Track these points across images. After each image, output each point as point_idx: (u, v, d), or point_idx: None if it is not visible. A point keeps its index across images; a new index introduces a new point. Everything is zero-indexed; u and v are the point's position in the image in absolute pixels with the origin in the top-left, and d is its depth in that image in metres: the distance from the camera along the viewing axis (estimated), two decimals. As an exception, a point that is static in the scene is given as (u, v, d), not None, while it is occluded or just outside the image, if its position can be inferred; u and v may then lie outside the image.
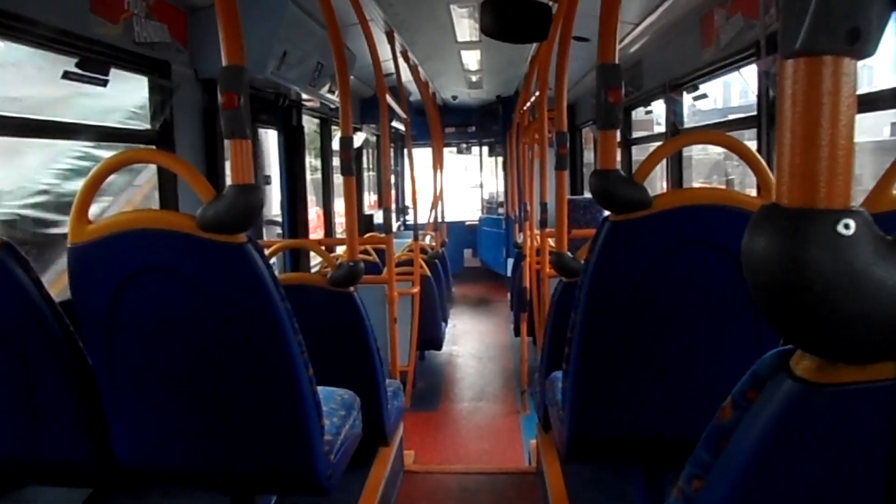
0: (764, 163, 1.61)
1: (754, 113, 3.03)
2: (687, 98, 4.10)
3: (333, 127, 6.19)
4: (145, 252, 1.49)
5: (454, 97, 8.92)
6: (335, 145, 6.40)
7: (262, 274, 1.47)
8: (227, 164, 1.78)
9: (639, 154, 5.63)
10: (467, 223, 10.40)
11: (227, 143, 1.48)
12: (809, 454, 0.55)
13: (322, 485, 1.71)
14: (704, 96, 3.86)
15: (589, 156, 8.10)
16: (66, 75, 2.46)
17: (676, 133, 4.26)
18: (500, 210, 10.05)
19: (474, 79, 7.36)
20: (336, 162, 6.43)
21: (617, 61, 1.59)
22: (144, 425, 1.69)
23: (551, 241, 3.68)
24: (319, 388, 1.70)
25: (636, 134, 5.81)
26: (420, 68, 5.99)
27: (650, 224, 1.56)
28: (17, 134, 2.46)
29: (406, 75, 5.32)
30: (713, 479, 0.63)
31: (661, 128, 4.99)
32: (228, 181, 1.48)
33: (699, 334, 1.65)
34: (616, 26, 1.58)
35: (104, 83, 2.64)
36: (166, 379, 1.61)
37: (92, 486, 2.26)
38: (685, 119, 4.28)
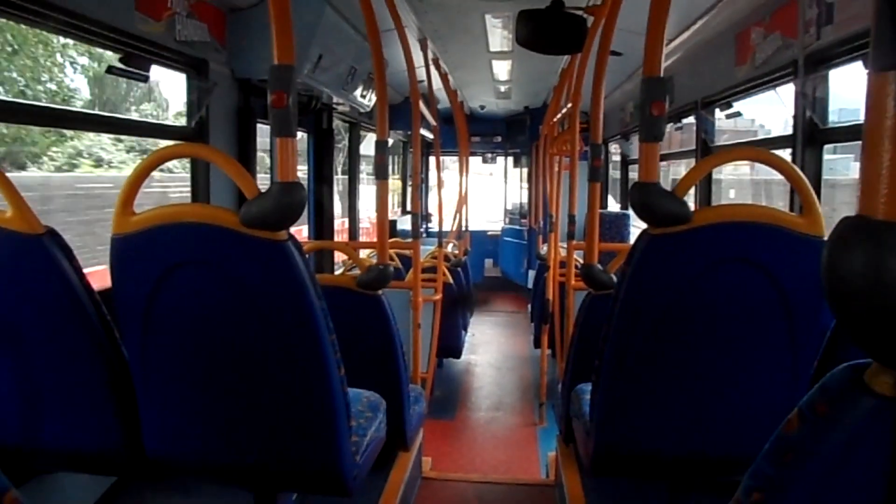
0: (808, 182, 1.59)
1: (789, 132, 3.01)
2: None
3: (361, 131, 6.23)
4: (187, 245, 1.51)
5: (482, 107, 8.94)
6: (362, 150, 6.44)
7: (301, 272, 1.48)
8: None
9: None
10: (489, 233, 10.39)
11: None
12: (883, 469, 0.55)
13: (347, 485, 1.72)
14: (738, 114, 3.83)
15: (614, 171, 8.07)
16: (110, 70, 2.51)
17: (707, 151, 4.24)
18: (523, 221, 10.03)
19: (503, 89, 7.37)
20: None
21: (662, 74, 1.59)
22: (175, 417, 1.71)
23: (577, 254, 3.67)
24: (348, 390, 1.70)
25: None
26: (450, 77, 6.02)
27: (689, 239, 1.55)
28: (57, 125, 2.51)
29: (435, 83, 5.34)
30: (776, 492, 0.62)
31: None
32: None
33: (733, 352, 1.64)
34: (662, 40, 1.58)
35: (145, 79, 2.69)
36: (199, 372, 1.62)
37: (118, 474, 2.28)
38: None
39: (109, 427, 1.76)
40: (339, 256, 5.65)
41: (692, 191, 4.39)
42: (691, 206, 1.58)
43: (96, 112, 2.72)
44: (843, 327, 0.55)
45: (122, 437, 1.76)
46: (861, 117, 0.53)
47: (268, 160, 4.58)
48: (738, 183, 6.89)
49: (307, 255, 1.56)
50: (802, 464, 0.60)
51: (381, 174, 2.68)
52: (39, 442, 1.77)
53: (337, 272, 5.10)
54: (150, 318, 1.57)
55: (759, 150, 1.76)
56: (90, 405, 1.74)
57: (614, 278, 2.51)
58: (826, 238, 0.55)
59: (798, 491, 0.60)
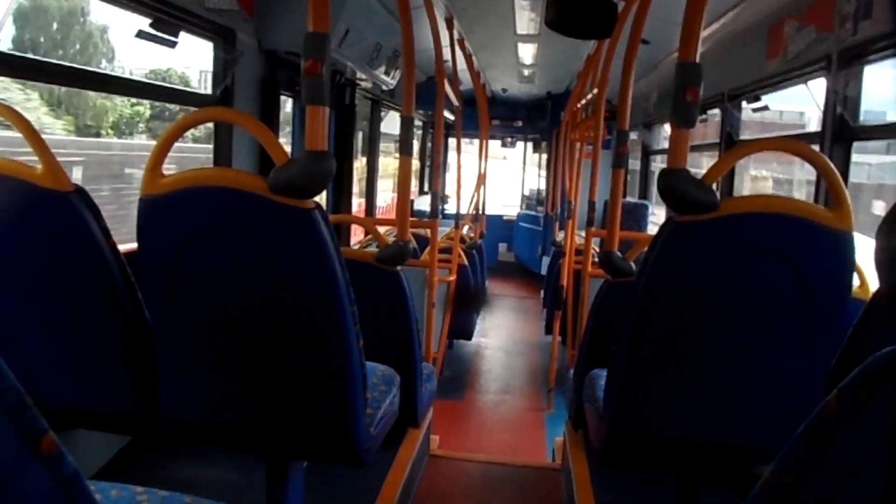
0: (839, 174, 1.58)
1: (817, 129, 2.98)
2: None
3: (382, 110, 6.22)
4: (214, 209, 1.51)
5: (504, 90, 8.89)
6: (383, 127, 6.43)
7: (326, 241, 1.48)
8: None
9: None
10: (505, 217, 10.37)
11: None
12: None
13: (361, 456, 1.73)
14: (766, 108, 3.78)
15: (633, 161, 8.02)
16: (140, 34, 2.52)
17: (731, 144, 4.19)
18: (540, 207, 10.00)
19: (527, 73, 7.32)
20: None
21: (698, 60, 1.57)
22: (193, 380, 1.72)
23: (593, 241, 3.66)
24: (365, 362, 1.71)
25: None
26: (475, 58, 5.98)
27: (715, 227, 1.54)
28: (81, 86, 2.53)
29: (459, 64, 5.31)
30: (810, 473, 0.62)
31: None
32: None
33: (752, 342, 1.63)
34: (700, 24, 1.56)
35: (173, 45, 2.69)
36: (220, 336, 1.64)
37: (133, 434, 2.31)
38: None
39: (128, 387, 1.78)
40: (354, 237, 5.67)
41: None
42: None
43: (121, 75, 2.73)
44: (894, 312, 0.54)
45: (139, 397, 1.78)
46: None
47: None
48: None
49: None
50: (838, 446, 0.60)
51: (405, 150, 2.68)
52: (58, 398, 1.80)
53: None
54: (174, 281, 1.58)
55: (790, 141, 1.74)
56: (110, 364, 1.77)
57: (633, 266, 2.50)
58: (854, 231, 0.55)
59: (830, 474, 0.60)
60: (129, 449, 2.47)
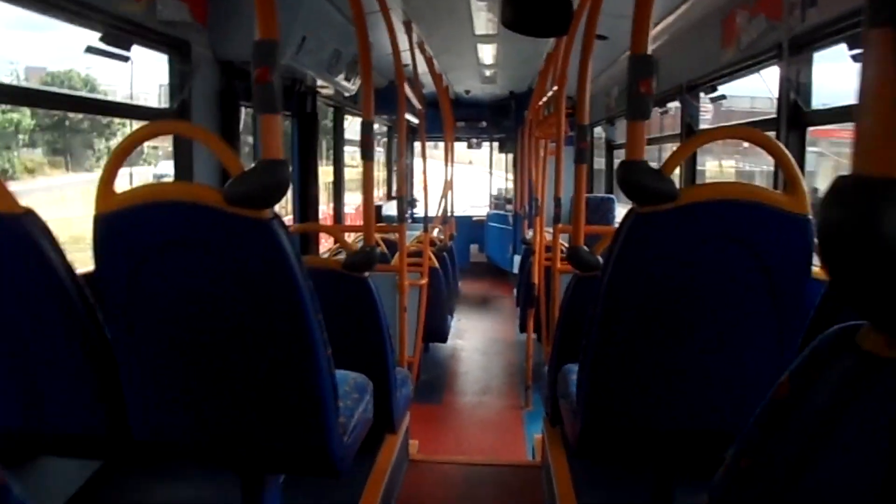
0: (793, 159, 1.60)
1: (773, 115, 3.03)
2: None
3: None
4: (170, 224, 1.49)
5: (467, 91, 8.91)
6: (348, 134, 6.40)
7: (286, 250, 1.47)
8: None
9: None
10: (474, 218, 10.39)
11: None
12: (874, 430, 0.55)
13: (336, 466, 1.71)
14: (723, 97, 3.84)
15: (598, 157, 8.09)
16: (90, 49, 2.47)
17: (692, 134, 4.25)
18: (509, 206, 10.04)
19: (488, 73, 7.34)
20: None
21: (650, 52, 1.58)
22: (160, 399, 1.69)
23: (562, 237, 3.68)
24: (335, 371, 1.70)
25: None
26: (435, 61, 5.98)
27: (676, 217, 1.55)
28: (37, 105, 2.47)
29: (420, 67, 5.31)
30: (766, 456, 0.63)
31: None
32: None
33: (719, 329, 1.65)
34: (650, 17, 1.57)
35: (125, 59, 2.64)
36: (185, 352, 1.61)
37: (103, 458, 2.26)
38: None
39: (94, 410, 1.74)
40: (322, 246, 5.63)
41: (678, 174, 4.42)
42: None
43: (76, 93, 2.68)
44: (836, 287, 0.55)
45: (106, 420, 1.75)
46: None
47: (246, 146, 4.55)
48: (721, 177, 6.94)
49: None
50: (791, 427, 0.61)
51: (367, 155, 2.67)
52: (22, 426, 1.75)
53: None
54: (134, 299, 1.55)
55: (745, 129, 1.76)
56: (73, 388, 1.72)
57: (600, 260, 2.52)
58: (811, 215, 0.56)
59: (787, 455, 0.60)
60: (100, 474, 2.41)
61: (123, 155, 1.56)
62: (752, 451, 0.64)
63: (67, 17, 2.35)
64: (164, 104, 3.21)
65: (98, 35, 2.51)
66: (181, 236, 1.49)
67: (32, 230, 1.55)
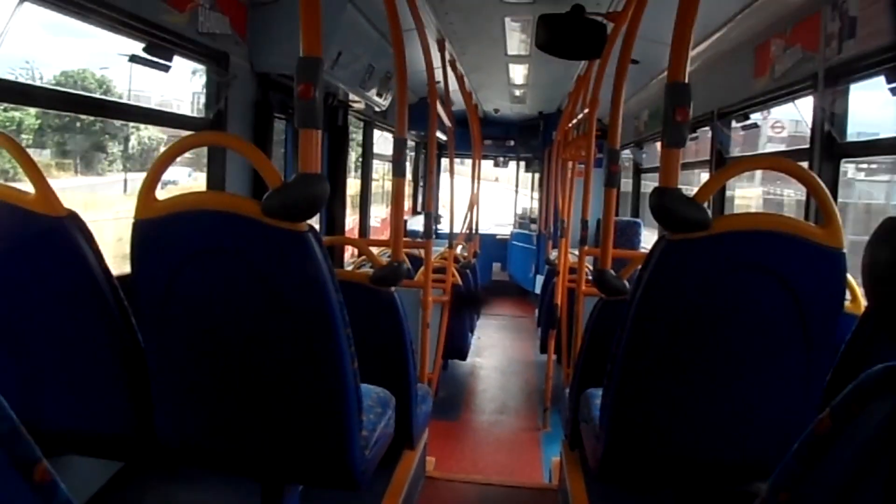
0: (828, 192, 1.59)
1: (806, 146, 3.01)
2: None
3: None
4: (208, 232, 1.52)
5: (496, 110, 8.95)
6: (376, 148, 6.45)
7: (320, 263, 1.49)
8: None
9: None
10: (498, 237, 10.39)
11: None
12: None
13: (356, 478, 1.72)
14: (755, 126, 3.82)
15: (625, 178, 8.07)
16: (134, 59, 2.53)
17: (722, 162, 4.23)
18: (533, 226, 10.02)
19: (518, 93, 7.37)
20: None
21: (687, 80, 1.59)
22: (187, 403, 1.71)
23: (587, 260, 3.67)
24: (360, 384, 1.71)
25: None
26: (466, 79, 6.03)
27: (707, 245, 1.55)
28: (76, 110, 2.53)
29: (451, 85, 5.35)
30: (805, 491, 0.63)
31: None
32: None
33: (747, 359, 1.63)
34: (688, 45, 1.58)
35: (167, 69, 2.70)
36: (214, 359, 1.63)
37: (127, 460, 2.29)
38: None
39: (121, 412, 1.77)
40: (347, 257, 5.66)
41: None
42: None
43: (116, 100, 2.75)
44: (882, 323, 0.55)
45: (133, 422, 1.77)
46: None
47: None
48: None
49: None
50: (833, 463, 0.60)
51: (398, 171, 2.69)
52: (52, 423, 1.78)
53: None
54: (167, 305, 1.58)
55: (779, 159, 1.76)
56: (103, 389, 1.76)
57: (626, 284, 2.51)
58: (845, 249, 0.56)
59: (826, 491, 0.60)
60: (122, 474, 2.44)
61: (166, 164, 1.60)
62: (791, 485, 0.64)
63: (114, 26, 2.41)
64: (187, 108, 3.26)
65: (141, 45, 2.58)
66: (218, 245, 1.52)
67: (74, 233, 1.59)
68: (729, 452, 1.71)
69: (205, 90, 3.23)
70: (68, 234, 1.58)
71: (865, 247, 0.57)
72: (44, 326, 1.68)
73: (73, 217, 1.60)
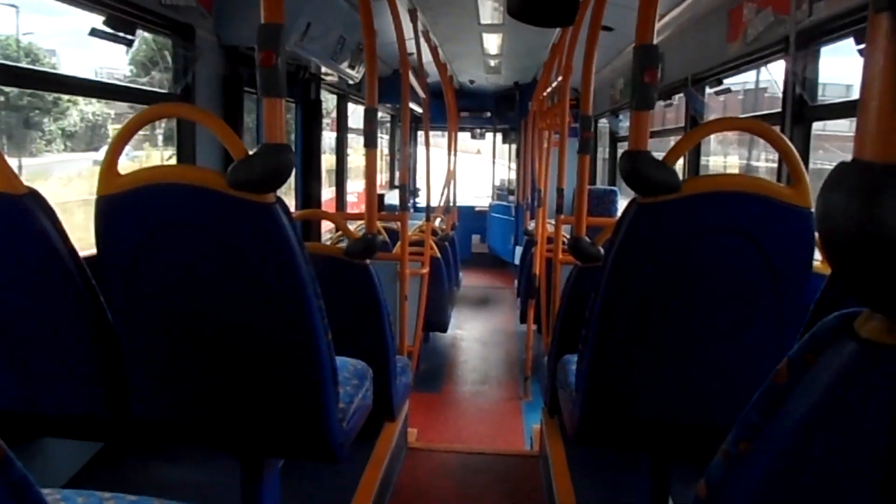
0: (797, 153, 1.60)
1: (778, 109, 3.02)
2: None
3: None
4: (173, 206, 1.49)
5: (471, 81, 8.89)
6: (352, 122, 6.39)
7: (289, 235, 1.47)
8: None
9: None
10: (477, 209, 10.39)
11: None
12: (872, 415, 0.55)
13: (335, 451, 1.72)
14: (728, 90, 3.83)
15: (602, 149, 8.08)
16: (94, 32, 2.46)
17: (696, 126, 4.24)
18: (511, 197, 10.03)
19: (493, 63, 7.32)
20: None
21: (655, 42, 1.58)
22: (161, 381, 1.70)
23: (564, 229, 3.68)
24: (335, 357, 1.70)
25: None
26: (440, 50, 5.97)
27: (678, 208, 1.55)
28: (39, 87, 2.47)
29: (425, 56, 5.29)
30: (765, 440, 0.63)
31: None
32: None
33: (720, 321, 1.65)
34: (656, 7, 1.56)
35: (129, 43, 2.64)
36: (186, 335, 1.61)
37: (104, 440, 2.28)
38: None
39: (95, 391, 1.75)
40: (325, 232, 5.63)
41: (681, 167, 4.40)
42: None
43: (81, 76, 2.68)
44: (836, 273, 0.55)
45: (107, 401, 1.76)
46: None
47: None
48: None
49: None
50: (790, 412, 0.61)
51: (370, 142, 2.66)
52: (24, 407, 1.76)
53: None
54: (135, 281, 1.55)
55: (749, 121, 1.76)
56: (75, 369, 1.73)
57: (601, 251, 2.52)
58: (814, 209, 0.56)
59: (786, 439, 0.60)
60: (101, 455, 2.43)
61: (127, 137, 1.56)
62: (750, 435, 0.65)
63: (71, 0, 2.34)
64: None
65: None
66: (184, 219, 1.49)
67: (35, 211, 1.55)
68: (703, 414, 1.74)
69: (172, 64, 3.16)
70: (30, 212, 1.54)
71: (818, 196, 0.56)
72: (9, 308, 1.65)
73: (34, 195, 1.56)
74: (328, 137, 6.01)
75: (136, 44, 2.69)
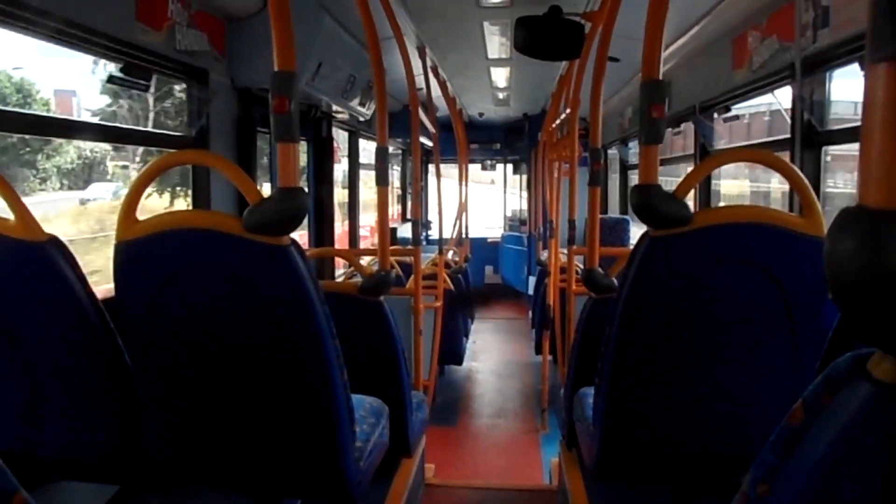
0: (807, 181, 1.60)
1: (787, 136, 3.02)
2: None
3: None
4: (190, 250, 1.51)
5: (480, 114, 8.97)
6: (363, 158, 6.46)
7: (304, 276, 1.48)
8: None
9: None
10: (489, 240, 10.40)
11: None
12: (886, 458, 0.55)
13: (352, 491, 1.71)
14: (736, 118, 3.85)
15: (612, 177, 8.09)
16: (111, 80, 2.52)
17: (706, 155, 4.25)
18: (523, 228, 10.04)
19: (502, 96, 7.40)
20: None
21: (661, 77, 1.60)
22: (178, 423, 1.71)
23: (577, 259, 3.68)
24: (351, 395, 1.70)
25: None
26: (449, 84, 6.04)
27: (690, 240, 1.55)
28: (57, 134, 2.53)
29: (434, 91, 5.36)
30: (782, 482, 0.63)
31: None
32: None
33: (735, 352, 1.64)
34: (661, 42, 1.59)
35: (146, 88, 2.70)
36: (202, 376, 1.63)
37: (120, 482, 2.27)
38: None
39: (112, 435, 1.76)
40: (339, 266, 5.66)
41: (692, 195, 4.41)
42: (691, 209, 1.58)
43: (98, 122, 2.75)
44: (845, 316, 0.55)
45: (125, 444, 1.76)
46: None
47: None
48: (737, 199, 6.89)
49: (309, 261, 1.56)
50: (806, 453, 0.61)
51: (381, 181, 2.69)
52: (42, 450, 1.77)
53: (337, 280, 5.10)
54: (152, 325, 1.57)
55: (758, 151, 1.77)
56: (93, 413, 1.74)
57: (615, 282, 2.51)
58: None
59: (803, 482, 0.60)
60: (118, 498, 2.42)
61: (145, 184, 1.59)
62: (768, 477, 0.65)
63: (89, 48, 2.41)
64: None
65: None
66: (200, 263, 1.51)
67: (56, 257, 1.58)
68: (721, 445, 1.72)
69: (187, 107, 3.23)
70: (50, 258, 1.57)
71: (825, 239, 0.57)
72: (29, 353, 1.67)
73: (55, 241, 1.60)
74: (339, 169, 6.08)
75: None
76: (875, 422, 0.56)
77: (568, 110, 3.95)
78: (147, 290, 1.54)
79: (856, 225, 0.53)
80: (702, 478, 1.87)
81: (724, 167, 5.26)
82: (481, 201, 11.98)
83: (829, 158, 2.90)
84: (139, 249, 1.53)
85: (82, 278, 1.63)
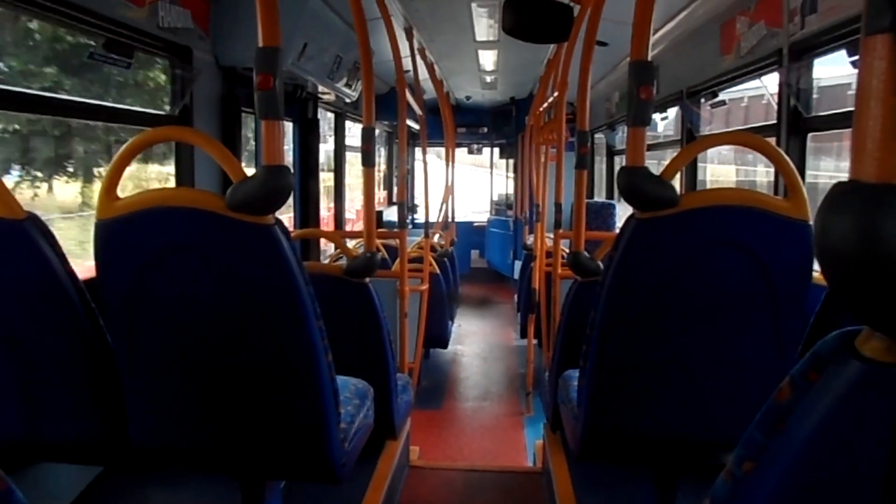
0: (793, 165, 1.61)
1: (773, 121, 3.03)
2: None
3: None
4: (172, 229, 1.49)
5: (468, 97, 8.93)
6: (349, 140, 6.41)
7: (288, 256, 1.47)
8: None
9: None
10: (475, 224, 10.40)
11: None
12: (873, 435, 0.55)
13: (336, 472, 1.71)
14: (723, 103, 3.85)
15: (600, 163, 8.10)
16: (92, 56, 2.48)
17: (692, 140, 4.26)
18: (509, 212, 10.04)
19: (489, 79, 7.36)
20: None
21: (650, 58, 1.59)
22: (160, 405, 1.69)
23: (563, 243, 3.68)
24: (336, 377, 1.70)
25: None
26: (436, 66, 6.00)
27: (676, 223, 1.56)
28: (33, 111, 2.48)
29: (421, 73, 5.33)
30: (768, 460, 0.63)
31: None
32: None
33: (719, 335, 1.65)
34: (650, 23, 1.58)
35: (128, 66, 2.65)
36: (185, 358, 1.61)
37: (103, 464, 2.26)
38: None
39: (94, 416, 1.74)
40: (325, 249, 5.63)
41: (678, 179, 4.43)
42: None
43: (78, 99, 2.69)
44: (835, 292, 0.55)
45: (107, 426, 1.75)
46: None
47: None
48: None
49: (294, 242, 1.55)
50: (793, 431, 0.61)
51: (367, 161, 2.67)
52: (22, 432, 1.75)
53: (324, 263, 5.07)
54: (134, 305, 1.55)
55: (745, 135, 1.77)
56: (74, 394, 1.73)
57: (601, 265, 2.52)
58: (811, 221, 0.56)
59: (789, 459, 0.60)
60: (100, 479, 2.41)
61: (125, 161, 1.57)
62: (754, 455, 0.65)
63: (69, 25, 2.36)
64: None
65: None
66: (183, 242, 1.49)
67: (35, 235, 1.55)
68: (705, 428, 1.73)
69: (170, 86, 3.18)
70: (29, 237, 1.55)
71: (815, 216, 0.57)
72: (8, 332, 1.64)
73: (34, 219, 1.57)
74: (325, 151, 6.03)
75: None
76: (863, 399, 0.56)
77: (555, 94, 3.93)
78: (129, 270, 1.52)
79: (849, 200, 0.52)
80: (685, 460, 1.89)
81: (714, 155, 5.29)
82: (469, 184, 11.95)
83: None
84: (120, 228, 1.51)
85: (62, 257, 1.60)
